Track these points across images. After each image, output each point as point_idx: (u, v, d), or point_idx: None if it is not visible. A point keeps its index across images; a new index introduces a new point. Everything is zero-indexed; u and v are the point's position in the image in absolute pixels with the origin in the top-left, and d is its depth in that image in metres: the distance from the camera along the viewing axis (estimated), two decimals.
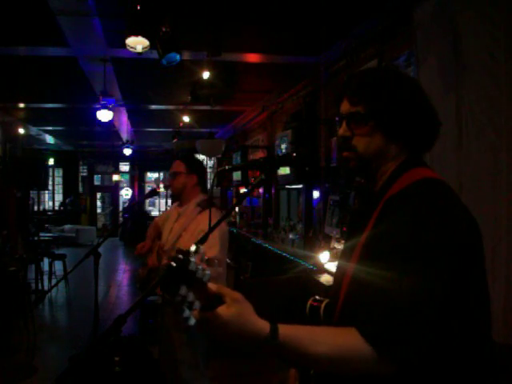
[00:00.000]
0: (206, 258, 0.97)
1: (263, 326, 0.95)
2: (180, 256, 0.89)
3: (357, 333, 0.95)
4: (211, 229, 1.20)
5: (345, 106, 1.18)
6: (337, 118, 1.21)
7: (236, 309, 0.94)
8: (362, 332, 0.94)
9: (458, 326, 1.01)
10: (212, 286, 0.94)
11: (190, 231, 2.69)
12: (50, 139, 13.27)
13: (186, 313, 0.90)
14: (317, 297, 1.34)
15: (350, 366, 0.96)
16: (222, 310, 0.93)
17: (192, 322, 0.91)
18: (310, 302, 1.38)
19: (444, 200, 1.04)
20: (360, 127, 1.14)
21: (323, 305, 1.33)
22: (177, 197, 2.90)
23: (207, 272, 0.90)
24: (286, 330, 0.95)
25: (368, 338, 0.93)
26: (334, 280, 1.31)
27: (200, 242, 1.11)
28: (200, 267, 0.89)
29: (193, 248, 0.93)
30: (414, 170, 1.12)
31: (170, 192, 3.03)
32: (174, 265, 0.88)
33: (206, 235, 1.14)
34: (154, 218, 5.99)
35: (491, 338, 1.08)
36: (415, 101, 1.13)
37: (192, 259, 0.89)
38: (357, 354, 0.94)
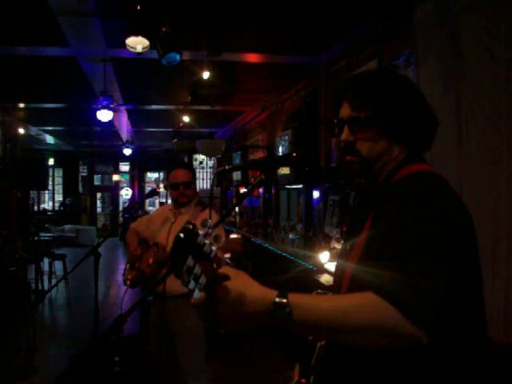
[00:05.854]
0: (215, 234, 0.95)
1: (270, 291, 0.94)
2: (189, 226, 0.89)
3: (373, 294, 0.90)
4: (215, 224, 1.20)
5: (345, 110, 1.18)
6: (335, 121, 1.22)
7: (242, 280, 0.95)
8: (382, 293, 0.89)
9: (460, 313, 1.02)
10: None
11: None
12: (49, 139, 13.27)
13: (192, 284, 0.88)
14: (319, 290, 1.29)
15: (367, 321, 0.90)
16: (229, 283, 0.92)
17: (197, 294, 0.90)
18: None
19: (439, 190, 1.06)
20: (363, 132, 1.15)
21: None
22: (184, 204, 2.94)
23: (214, 248, 0.89)
24: (295, 295, 0.94)
25: (388, 297, 0.89)
26: (334, 280, 1.29)
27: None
28: (207, 242, 0.88)
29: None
30: (411, 165, 1.14)
31: (168, 198, 3.04)
32: (182, 236, 0.88)
33: (216, 224, 1.14)
34: None
35: (486, 332, 1.09)
36: (416, 103, 1.15)
37: (200, 233, 0.88)
38: (376, 307, 0.89)
